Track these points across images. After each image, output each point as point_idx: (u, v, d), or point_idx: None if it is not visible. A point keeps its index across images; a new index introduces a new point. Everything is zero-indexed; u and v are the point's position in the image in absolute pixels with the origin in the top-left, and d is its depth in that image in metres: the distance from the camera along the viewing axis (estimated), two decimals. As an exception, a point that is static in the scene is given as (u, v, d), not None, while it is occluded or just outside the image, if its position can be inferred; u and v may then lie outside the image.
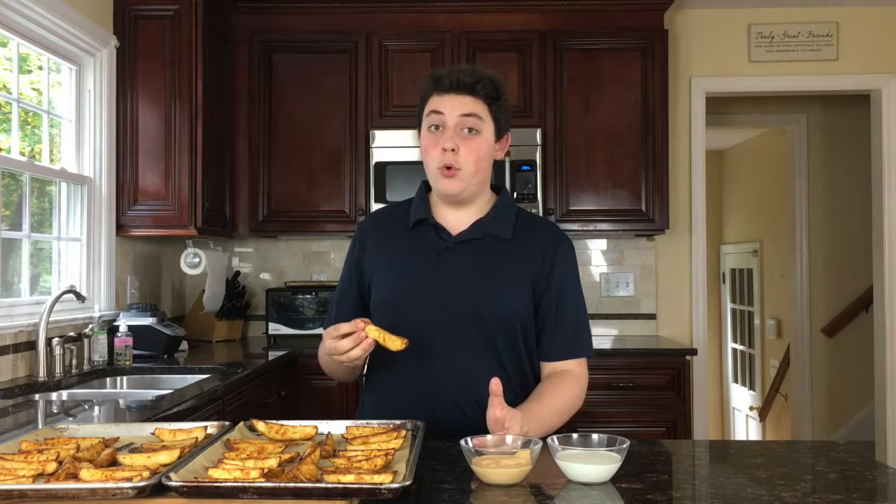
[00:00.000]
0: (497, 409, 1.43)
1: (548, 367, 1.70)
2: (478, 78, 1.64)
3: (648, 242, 4.24)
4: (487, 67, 1.75)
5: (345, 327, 1.51)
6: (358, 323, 1.50)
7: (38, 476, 1.17)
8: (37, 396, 2.50)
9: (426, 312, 1.63)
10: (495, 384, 1.45)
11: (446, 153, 1.62)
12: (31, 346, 2.70)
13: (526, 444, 1.33)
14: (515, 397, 1.61)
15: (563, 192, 3.83)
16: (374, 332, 1.49)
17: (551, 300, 1.68)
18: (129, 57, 3.40)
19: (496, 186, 1.77)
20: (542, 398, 1.62)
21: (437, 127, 1.64)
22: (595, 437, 1.39)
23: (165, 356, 3.17)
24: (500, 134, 1.69)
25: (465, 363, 1.63)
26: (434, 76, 1.67)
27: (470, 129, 1.63)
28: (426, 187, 1.76)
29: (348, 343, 1.49)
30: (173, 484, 1.09)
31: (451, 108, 1.63)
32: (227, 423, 1.48)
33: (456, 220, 1.70)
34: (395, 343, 1.49)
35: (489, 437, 1.39)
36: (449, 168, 1.62)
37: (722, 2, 4.18)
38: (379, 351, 1.53)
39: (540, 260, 1.68)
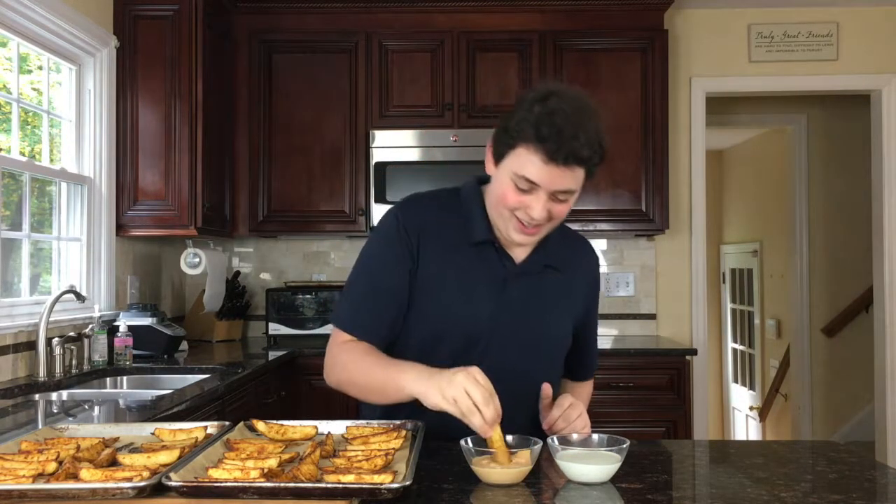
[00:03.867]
0: (553, 410, 1.51)
1: (567, 383, 1.78)
2: (594, 149, 1.42)
3: (648, 242, 4.24)
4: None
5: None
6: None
7: (38, 476, 1.17)
8: (37, 396, 2.50)
9: (482, 337, 1.55)
10: (547, 389, 1.52)
11: (534, 219, 1.45)
12: (31, 346, 2.70)
13: (526, 444, 1.33)
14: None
15: (563, 192, 3.82)
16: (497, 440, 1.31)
17: (584, 326, 1.71)
18: (129, 57, 3.40)
19: None
20: (574, 393, 1.70)
21: (524, 189, 1.44)
22: (595, 437, 1.39)
23: (165, 356, 3.17)
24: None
25: (510, 389, 1.48)
26: (541, 135, 1.39)
27: (561, 199, 1.45)
28: (480, 196, 1.58)
29: (493, 413, 1.31)
30: (173, 484, 1.09)
31: (551, 183, 1.41)
32: (227, 423, 1.48)
33: (519, 247, 1.57)
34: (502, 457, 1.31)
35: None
36: (525, 224, 1.47)
37: (722, 2, 4.18)
38: (417, 357, 1.48)
39: (585, 293, 1.69)
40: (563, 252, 1.63)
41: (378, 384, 1.49)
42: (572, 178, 1.42)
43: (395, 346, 1.58)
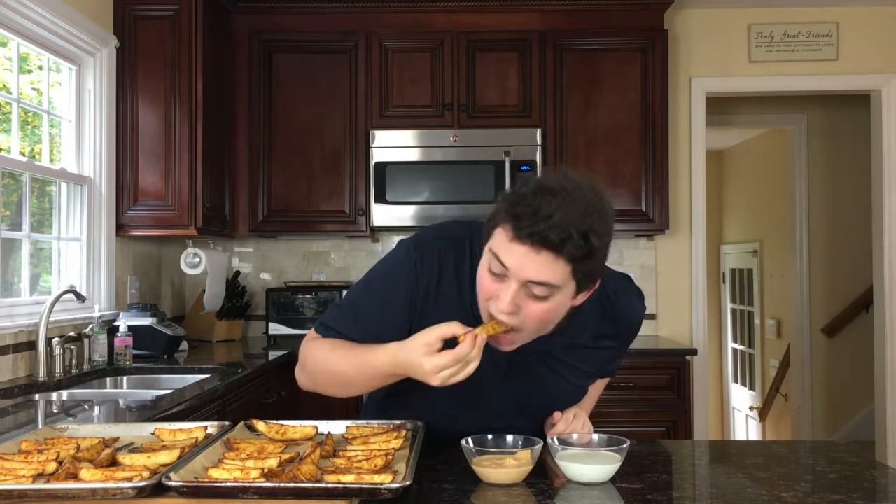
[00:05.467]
0: (559, 424, 1.48)
1: None
2: (568, 235, 1.22)
3: (648, 242, 4.24)
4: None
5: (464, 347, 1.27)
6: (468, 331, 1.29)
7: (38, 476, 1.17)
8: (37, 396, 2.50)
9: (483, 404, 1.48)
10: (558, 417, 1.49)
11: (501, 312, 1.31)
12: (31, 346, 2.70)
13: (526, 444, 1.33)
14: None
15: (563, 192, 3.83)
16: (486, 331, 1.30)
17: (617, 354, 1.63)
18: (129, 57, 3.40)
19: None
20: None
21: (497, 274, 1.30)
22: (595, 437, 1.39)
23: (165, 356, 3.17)
24: (581, 290, 1.33)
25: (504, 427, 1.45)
26: (513, 207, 1.26)
27: (537, 295, 1.29)
28: None
29: (475, 352, 1.27)
30: (173, 484, 1.09)
31: (520, 268, 1.26)
32: (227, 423, 1.48)
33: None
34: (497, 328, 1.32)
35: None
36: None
37: (722, 2, 4.18)
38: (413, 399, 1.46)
39: (616, 355, 1.60)
40: (596, 328, 1.49)
41: (355, 368, 1.43)
42: (545, 266, 1.24)
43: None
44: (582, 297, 1.36)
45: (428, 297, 1.42)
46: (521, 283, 1.27)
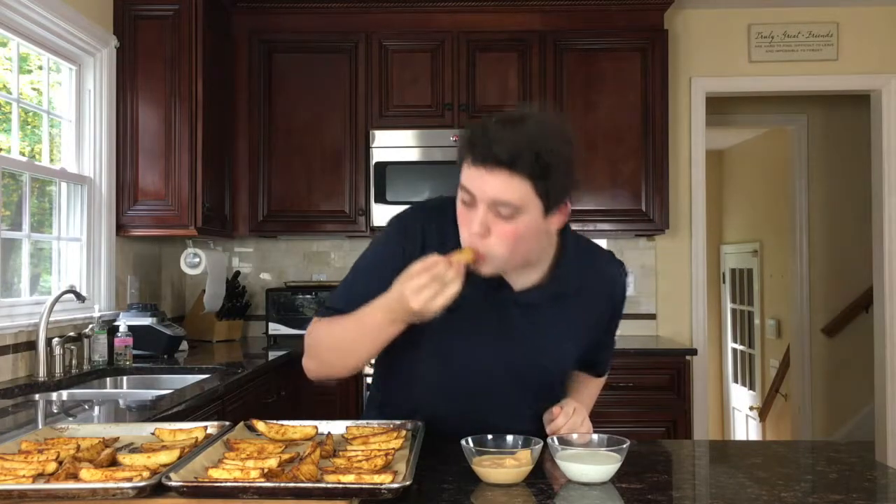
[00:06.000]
0: (559, 418, 1.49)
1: (579, 376, 1.75)
2: (517, 151, 1.30)
3: (648, 242, 4.24)
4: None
5: (440, 265, 1.30)
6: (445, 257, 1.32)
7: (38, 476, 1.17)
8: (37, 396, 2.50)
9: (477, 368, 1.51)
10: (557, 412, 1.51)
11: (473, 235, 1.36)
12: (31, 346, 2.70)
13: (526, 444, 1.33)
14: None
15: (563, 192, 3.83)
16: (461, 257, 1.32)
17: (605, 332, 1.66)
18: (129, 57, 3.40)
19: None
20: (579, 390, 1.70)
21: (466, 203, 1.37)
22: (595, 437, 1.39)
23: (165, 356, 3.17)
24: (550, 210, 1.37)
25: (500, 413, 1.51)
26: (468, 137, 1.36)
27: (504, 215, 1.33)
28: None
29: (452, 273, 1.29)
30: (173, 484, 1.09)
31: (482, 190, 1.33)
32: (227, 423, 1.48)
33: (515, 274, 1.48)
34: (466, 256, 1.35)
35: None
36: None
37: (722, 2, 4.18)
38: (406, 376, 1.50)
39: (605, 317, 1.62)
40: (579, 276, 1.52)
41: (355, 330, 1.44)
42: (503, 185, 1.31)
43: (386, 364, 1.61)
44: (556, 221, 1.41)
45: (422, 252, 1.43)
46: (486, 204, 1.33)
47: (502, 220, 1.34)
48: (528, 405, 1.57)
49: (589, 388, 1.75)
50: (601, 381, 1.80)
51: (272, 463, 1.20)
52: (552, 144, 1.32)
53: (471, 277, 1.38)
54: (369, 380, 3.36)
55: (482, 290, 1.45)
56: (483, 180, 1.32)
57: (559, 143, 1.34)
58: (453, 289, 1.30)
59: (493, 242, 1.35)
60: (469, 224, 1.36)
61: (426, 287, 1.30)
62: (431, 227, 1.50)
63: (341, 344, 1.48)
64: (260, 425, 1.43)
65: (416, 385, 1.56)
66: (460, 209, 1.39)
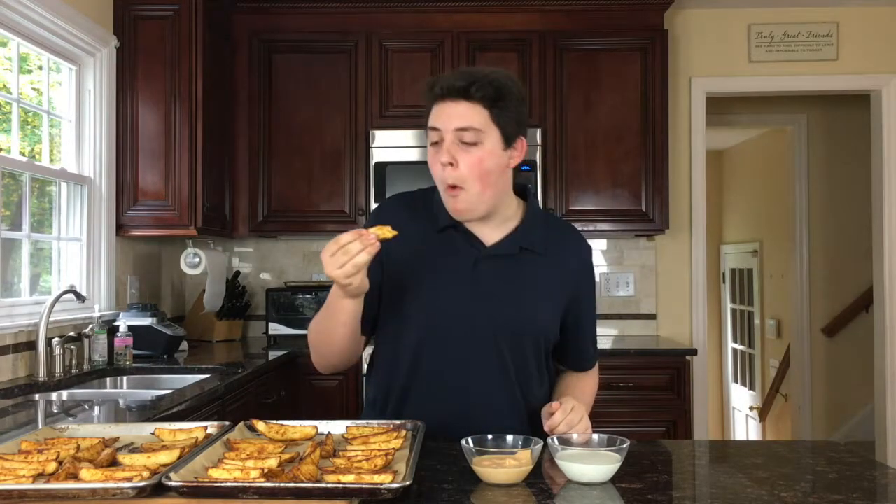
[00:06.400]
0: (556, 414, 1.50)
1: (569, 375, 1.77)
2: (472, 80, 1.49)
3: (648, 242, 4.24)
4: (488, 67, 1.67)
5: (346, 236, 1.40)
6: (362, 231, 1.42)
7: (38, 476, 1.17)
8: (37, 396, 2.50)
9: (458, 326, 1.56)
10: (556, 407, 1.52)
11: (445, 168, 1.51)
12: (31, 346, 2.70)
13: (526, 444, 1.33)
14: (522, 423, 1.60)
15: (563, 192, 3.83)
16: (378, 231, 1.41)
17: (578, 315, 1.68)
18: (129, 57, 3.40)
19: (521, 186, 1.66)
20: (575, 391, 1.69)
21: (436, 143, 1.54)
22: (595, 437, 1.39)
23: (165, 356, 3.17)
24: (508, 140, 1.53)
25: (484, 378, 1.58)
26: (429, 83, 1.56)
27: (468, 142, 1.50)
28: None
29: (357, 245, 1.38)
30: (173, 484, 1.09)
31: (447, 120, 1.51)
32: (227, 423, 1.48)
33: (486, 229, 1.60)
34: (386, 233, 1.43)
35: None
36: (453, 187, 1.52)
37: (722, 2, 4.18)
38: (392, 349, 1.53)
39: (575, 279, 1.65)
40: (545, 235, 1.62)
41: (326, 316, 1.56)
42: (464, 111, 1.49)
43: (377, 343, 1.68)
44: (515, 157, 1.55)
45: (391, 246, 1.51)
46: (451, 134, 1.50)
47: (466, 149, 1.50)
48: (505, 375, 1.59)
49: (583, 387, 1.74)
50: (594, 379, 1.80)
51: (272, 463, 1.20)
52: (504, 80, 1.52)
53: (448, 237, 1.57)
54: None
55: (458, 248, 1.58)
56: (446, 112, 1.51)
57: (509, 80, 1.53)
58: (362, 258, 1.38)
59: (463, 171, 1.50)
60: (438, 158, 1.52)
61: (334, 256, 1.39)
62: (404, 212, 1.63)
63: (322, 329, 1.59)
64: (260, 425, 1.43)
65: (400, 355, 1.60)
66: (430, 151, 1.55)
